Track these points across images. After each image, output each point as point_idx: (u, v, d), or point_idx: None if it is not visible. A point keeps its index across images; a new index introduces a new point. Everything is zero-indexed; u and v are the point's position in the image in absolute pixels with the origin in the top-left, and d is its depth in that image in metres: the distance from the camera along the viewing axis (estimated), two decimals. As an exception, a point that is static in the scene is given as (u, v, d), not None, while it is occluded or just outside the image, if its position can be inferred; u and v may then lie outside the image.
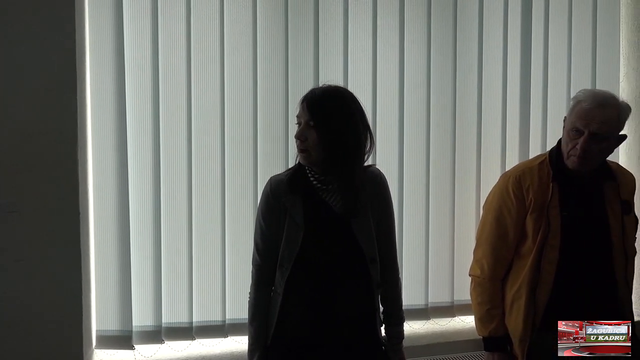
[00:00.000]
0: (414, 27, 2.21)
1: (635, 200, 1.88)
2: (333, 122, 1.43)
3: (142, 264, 1.98)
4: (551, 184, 1.75)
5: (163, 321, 2.00)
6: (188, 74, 1.99)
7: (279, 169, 1.95)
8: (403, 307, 1.64)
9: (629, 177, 1.87)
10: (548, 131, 2.36)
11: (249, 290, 1.58)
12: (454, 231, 2.28)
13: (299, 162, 1.53)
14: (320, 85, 1.51)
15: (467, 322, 2.29)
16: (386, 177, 1.60)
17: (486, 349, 1.87)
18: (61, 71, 1.78)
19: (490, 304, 1.84)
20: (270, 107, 2.07)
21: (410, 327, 2.22)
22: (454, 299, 2.29)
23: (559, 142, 1.79)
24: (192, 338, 2.02)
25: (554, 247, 1.73)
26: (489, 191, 1.95)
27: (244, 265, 1.97)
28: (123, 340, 1.96)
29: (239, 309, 2.02)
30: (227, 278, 2.04)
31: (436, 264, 2.27)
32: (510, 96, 2.34)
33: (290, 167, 1.59)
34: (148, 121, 1.97)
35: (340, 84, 1.84)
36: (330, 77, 1.99)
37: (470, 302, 1.95)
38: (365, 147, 1.49)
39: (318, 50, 2.11)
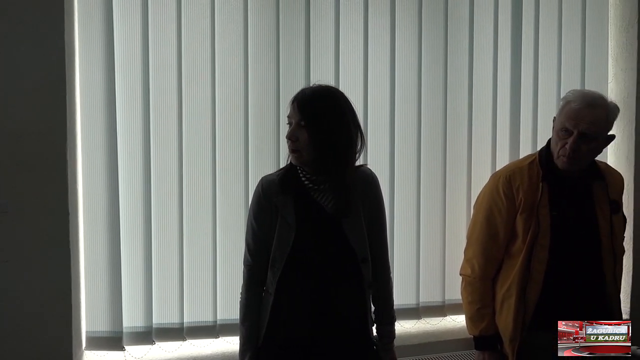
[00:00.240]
0: (405, 27, 2.22)
1: (623, 200, 1.90)
2: (324, 122, 1.43)
3: (132, 264, 1.97)
4: (541, 184, 1.76)
5: (154, 322, 1.99)
6: (179, 73, 1.98)
7: (270, 169, 1.95)
8: (394, 307, 1.64)
9: (617, 177, 1.89)
10: (538, 131, 2.38)
11: (241, 291, 1.57)
12: (445, 231, 2.29)
13: (290, 162, 1.53)
14: (311, 85, 1.51)
15: (458, 321, 2.30)
16: (377, 177, 1.61)
17: (477, 348, 1.88)
18: (50, 70, 1.76)
19: (481, 303, 1.85)
20: (262, 107, 2.07)
21: (402, 327, 2.23)
22: (445, 298, 2.29)
23: (549, 142, 1.81)
24: (183, 339, 2.01)
25: (543, 247, 1.74)
26: (480, 191, 1.96)
27: (235, 265, 1.97)
28: (113, 341, 1.95)
29: (230, 309, 2.01)
30: (218, 278, 2.03)
31: (427, 263, 2.27)
32: (501, 96, 2.35)
33: (281, 167, 1.59)
34: (138, 121, 1.95)
35: (332, 83, 1.84)
36: (322, 77, 2.00)
37: (461, 301, 1.96)
38: (356, 146, 1.49)
39: (309, 50, 2.11)
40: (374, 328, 1.60)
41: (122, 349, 1.96)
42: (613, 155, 2.48)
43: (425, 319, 2.29)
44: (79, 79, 1.91)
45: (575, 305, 1.73)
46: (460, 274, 1.94)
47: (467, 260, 1.91)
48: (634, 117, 2.41)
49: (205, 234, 2.02)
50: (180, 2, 1.97)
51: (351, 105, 1.50)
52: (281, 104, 2.06)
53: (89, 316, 1.95)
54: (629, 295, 2.40)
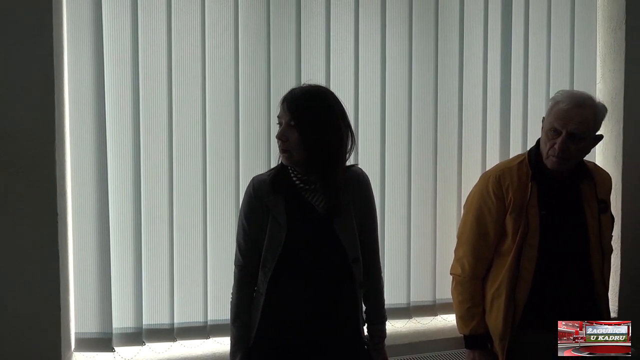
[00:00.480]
0: (396, 27, 2.22)
1: (611, 199, 1.92)
2: (314, 122, 1.43)
3: (122, 265, 1.95)
4: (530, 184, 1.78)
5: (144, 323, 1.98)
6: (169, 72, 1.97)
7: (261, 169, 1.94)
8: (385, 306, 1.65)
9: (605, 177, 1.91)
10: (528, 131, 2.39)
11: (232, 291, 1.57)
12: (435, 230, 2.30)
13: (281, 162, 1.53)
14: (301, 84, 1.51)
15: (448, 320, 2.31)
16: (368, 177, 1.61)
17: (467, 347, 1.89)
18: (38, 69, 1.74)
19: (471, 303, 1.86)
20: (252, 107, 2.06)
21: (393, 326, 2.23)
22: (436, 297, 2.30)
23: (538, 142, 1.82)
24: (174, 339, 2.00)
25: (533, 246, 1.76)
26: (470, 191, 1.97)
27: (226, 265, 1.96)
28: (103, 342, 1.93)
29: (221, 309, 2.00)
30: (209, 279, 2.02)
31: (418, 263, 2.28)
32: (491, 97, 2.36)
33: (272, 167, 1.59)
34: (128, 120, 1.94)
35: (323, 83, 1.84)
36: (313, 76, 2.00)
37: (451, 300, 1.97)
38: (347, 146, 1.50)
39: (300, 49, 2.10)
40: (365, 328, 1.60)
41: (111, 350, 1.95)
42: (601, 155, 2.50)
43: (416, 318, 2.30)
44: (68, 77, 1.89)
45: (564, 303, 1.75)
46: (451, 274, 1.95)
47: (457, 259, 1.92)
48: (622, 117, 2.44)
49: (196, 234, 2.01)
50: (170, 2, 1.96)
51: (341, 105, 1.50)
52: (272, 104, 2.05)
53: (78, 317, 1.93)
54: (617, 293, 2.42)
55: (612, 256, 1.93)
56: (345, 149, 1.50)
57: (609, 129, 2.46)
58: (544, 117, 1.79)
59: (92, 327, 1.93)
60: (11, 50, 1.72)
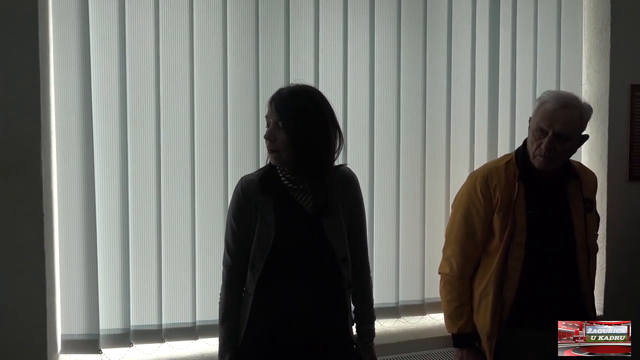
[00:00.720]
0: (384, 27, 2.23)
1: (596, 198, 1.94)
2: (301, 122, 1.42)
3: (109, 265, 1.94)
4: (517, 183, 1.79)
5: (131, 324, 1.96)
6: (156, 73, 1.95)
7: (249, 169, 1.94)
8: (374, 306, 1.65)
9: (591, 176, 1.93)
10: (516, 131, 2.41)
11: (220, 292, 1.56)
12: (424, 230, 2.31)
13: (269, 162, 1.52)
14: (289, 84, 1.50)
15: (437, 319, 2.32)
16: (357, 177, 1.61)
17: (455, 346, 1.90)
18: (24, 69, 1.72)
19: (459, 302, 1.87)
20: (241, 107, 2.06)
21: (381, 326, 2.24)
22: (425, 297, 2.31)
23: (525, 142, 1.84)
24: (162, 341, 1.99)
25: (520, 245, 1.77)
26: (458, 190, 1.98)
27: (214, 266, 1.95)
28: (90, 344, 1.92)
29: (209, 310, 1.99)
30: (197, 279, 2.02)
31: (407, 262, 2.29)
32: (479, 97, 2.38)
33: (261, 167, 1.59)
34: (115, 121, 1.92)
35: (312, 83, 1.84)
36: (301, 76, 1.99)
37: (440, 300, 1.98)
38: (335, 146, 1.49)
39: (289, 49, 2.10)
40: (353, 327, 1.60)
41: (98, 351, 1.93)
42: (587, 155, 2.53)
43: (404, 317, 2.31)
44: (54, 80, 1.87)
45: (550, 302, 1.76)
46: (439, 273, 1.96)
47: (445, 259, 1.93)
48: (607, 117, 2.47)
49: (184, 234, 2.00)
50: (157, 1, 1.94)
51: (329, 105, 1.50)
52: (260, 104, 2.05)
53: (64, 319, 1.92)
54: (602, 292, 2.45)
55: (597, 255, 1.96)
56: (334, 149, 1.49)
57: (595, 129, 2.49)
58: (530, 117, 1.81)
59: (78, 329, 1.91)
60: (-4, 49, 1.70)
